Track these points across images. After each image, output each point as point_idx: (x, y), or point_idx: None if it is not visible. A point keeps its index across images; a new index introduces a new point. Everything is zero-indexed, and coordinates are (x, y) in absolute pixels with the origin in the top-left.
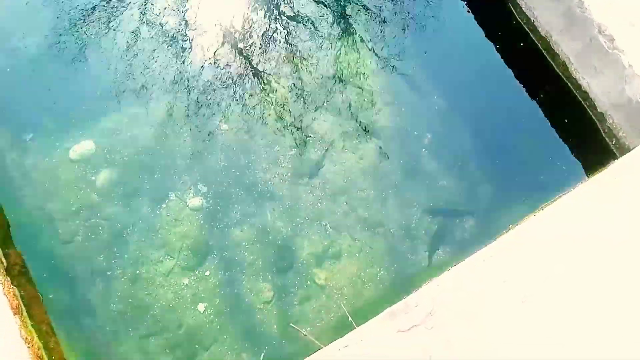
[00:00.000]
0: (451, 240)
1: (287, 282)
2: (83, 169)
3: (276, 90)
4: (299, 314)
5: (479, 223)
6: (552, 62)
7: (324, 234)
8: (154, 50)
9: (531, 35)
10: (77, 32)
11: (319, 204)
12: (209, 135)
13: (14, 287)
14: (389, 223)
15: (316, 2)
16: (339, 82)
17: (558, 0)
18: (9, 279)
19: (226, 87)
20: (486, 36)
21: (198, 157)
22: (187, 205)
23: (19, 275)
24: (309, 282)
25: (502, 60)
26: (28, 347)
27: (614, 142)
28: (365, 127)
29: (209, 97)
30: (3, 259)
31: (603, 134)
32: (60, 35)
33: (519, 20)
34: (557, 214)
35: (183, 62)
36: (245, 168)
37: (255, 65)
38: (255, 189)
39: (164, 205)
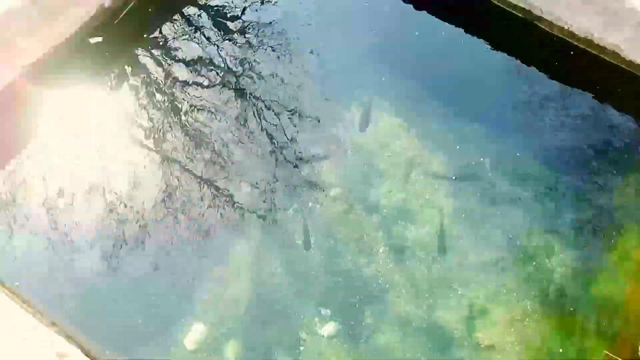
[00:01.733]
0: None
1: None
2: (207, 354)
3: (333, 199)
4: None
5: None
6: (600, 55)
7: (457, 296)
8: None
9: (571, 40)
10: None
11: (434, 272)
12: (299, 261)
13: None
14: (501, 255)
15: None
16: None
17: (589, 3)
18: None
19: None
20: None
21: (302, 285)
22: (323, 336)
23: None
24: (479, 351)
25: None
26: None
27: None
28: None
29: (276, 228)
30: None
31: None
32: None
33: (554, 33)
34: None
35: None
36: (350, 271)
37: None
38: (370, 285)
39: (301, 348)
